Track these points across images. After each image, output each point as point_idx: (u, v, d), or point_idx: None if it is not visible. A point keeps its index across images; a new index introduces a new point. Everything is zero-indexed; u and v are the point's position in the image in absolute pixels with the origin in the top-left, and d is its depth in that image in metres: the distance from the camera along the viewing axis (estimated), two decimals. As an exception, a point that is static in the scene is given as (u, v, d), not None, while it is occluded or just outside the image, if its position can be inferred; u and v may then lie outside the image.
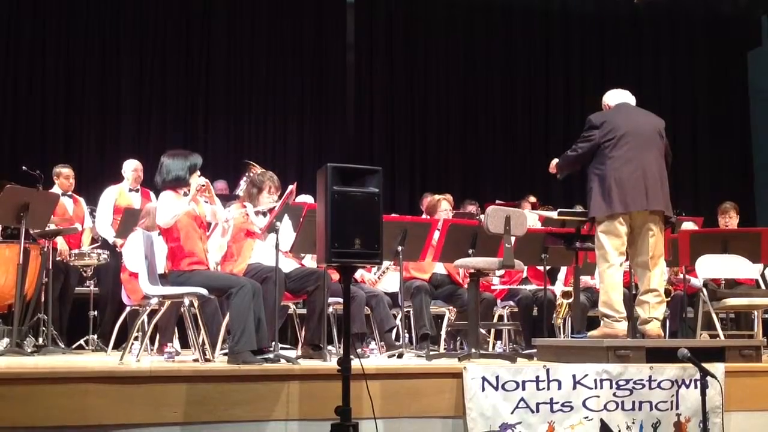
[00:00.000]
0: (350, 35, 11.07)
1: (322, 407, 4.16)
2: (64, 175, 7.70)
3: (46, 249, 6.74)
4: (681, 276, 7.04)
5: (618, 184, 5.22)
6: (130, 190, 7.84)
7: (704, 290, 6.48)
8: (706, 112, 12.16)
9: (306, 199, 7.05)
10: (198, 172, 5.37)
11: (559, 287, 7.23)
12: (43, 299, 6.81)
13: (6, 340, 6.22)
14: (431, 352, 5.86)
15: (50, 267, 6.77)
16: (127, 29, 10.31)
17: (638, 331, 5.35)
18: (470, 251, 6.09)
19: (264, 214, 5.77)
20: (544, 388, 4.57)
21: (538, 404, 4.55)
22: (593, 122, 5.42)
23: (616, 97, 5.61)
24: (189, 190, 5.28)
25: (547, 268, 6.55)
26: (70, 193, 7.76)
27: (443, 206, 6.98)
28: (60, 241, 7.20)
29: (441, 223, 6.36)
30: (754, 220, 10.93)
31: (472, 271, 5.54)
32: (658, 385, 4.67)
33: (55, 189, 7.59)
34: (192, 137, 10.19)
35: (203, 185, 5.29)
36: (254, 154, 9.83)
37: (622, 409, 4.63)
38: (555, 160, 5.81)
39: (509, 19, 11.82)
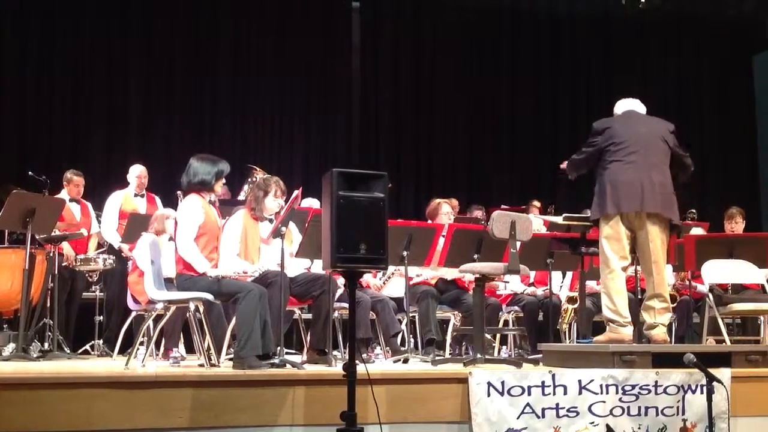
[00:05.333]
0: (356, 37, 11.09)
1: (328, 412, 4.16)
2: (75, 183, 7.69)
3: (51, 254, 6.75)
4: (687, 281, 7.03)
5: (613, 186, 5.27)
6: (136, 195, 7.86)
7: (710, 295, 6.48)
8: (712, 116, 12.15)
9: (312, 202, 7.06)
10: (223, 180, 5.40)
11: (564, 292, 7.22)
12: (48, 304, 6.82)
13: (12, 345, 6.23)
14: (437, 357, 5.85)
15: (56, 272, 6.79)
16: (134, 31, 10.33)
17: (644, 337, 5.34)
18: (476, 256, 6.09)
19: (270, 220, 5.78)
20: (549, 394, 4.57)
21: (543, 409, 4.55)
22: (596, 128, 5.49)
23: (624, 105, 5.65)
24: (213, 196, 5.33)
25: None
26: (77, 198, 7.76)
27: (444, 209, 6.97)
28: (66, 246, 7.20)
29: (446, 228, 6.36)
30: (760, 225, 10.90)
31: (478, 276, 5.54)
32: (664, 391, 4.66)
33: (63, 194, 7.59)
34: (198, 140, 10.18)
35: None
36: (260, 157, 9.84)
37: (628, 414, 4.62)
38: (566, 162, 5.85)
39: (516, 22, 11.81)
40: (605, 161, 5.36)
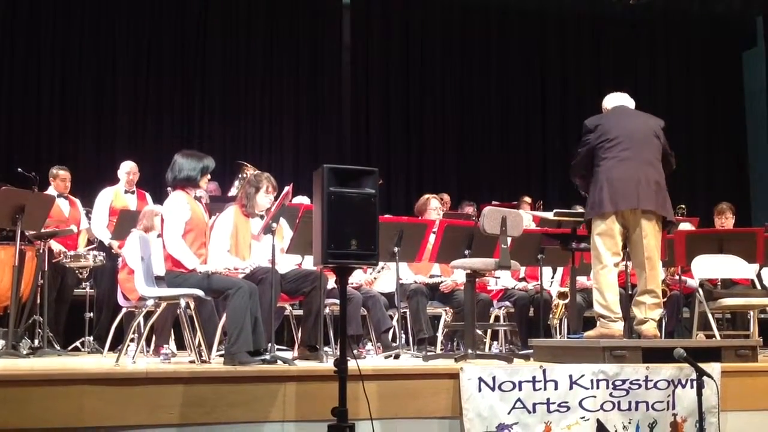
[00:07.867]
0: (346, 36, 11.08)
1: (319, 408, 4.15)
2: (61, 177, 7.66)
3: (41, 251, 6.72)
4: (677, 276, 7.05)
5: (609, 183, 5.24)
6: (126, 191, 7.84)
7: (700, 290, 6.50)
8: (701, 112, 12.20)
9: (302, 200, 7.05)
10: (209, 176, 5.39)
11: (555, 288, 7.23)
12: (38, 301, 6.79)
13: (1, 342, 6.19)
14: (428, 353, 5.86)
15: (46, 269, 6.76)
16: (123, 29, 10.30)
17: (634, 332, 5.35)
18: (467, 252, 6.09)
19: (261, 216, 5.77)
20: (540, 389, 4.57)
21: (534, 404, 4.55)
22: (588, 126, 5.46)
23: (613, 100, 5.63)
24: (198, 192, 5.32)
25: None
26: (66, 194, 7.73)
27: (432, 205, 6.97)
28: (53, 244, 7.15)
29: (437, 224, 6.36)
30: (749, 220, 10.95)
31: (469, 271, 5.54)
32: (655, 385, 4.67)
33: (51, 191, 7.56)
34: (188, 138, 10.17)
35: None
36: (250, 155, 9.83)
37: (619, 409, 4.63)
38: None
39: (505, 20, 11.84)
40: (598, 158, 5.33)
